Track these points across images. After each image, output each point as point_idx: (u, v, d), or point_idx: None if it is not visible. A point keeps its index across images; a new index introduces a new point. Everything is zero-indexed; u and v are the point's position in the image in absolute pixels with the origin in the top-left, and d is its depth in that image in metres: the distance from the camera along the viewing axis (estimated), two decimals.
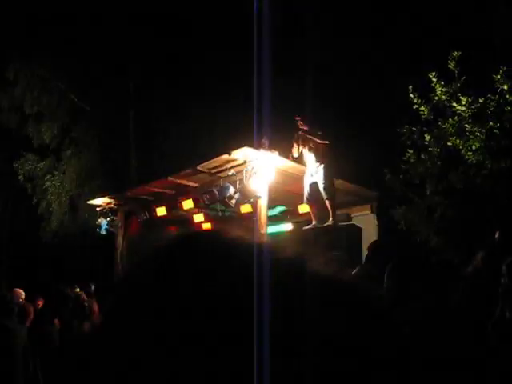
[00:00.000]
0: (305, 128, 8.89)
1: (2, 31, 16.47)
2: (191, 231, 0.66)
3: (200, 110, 16.41)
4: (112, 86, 17.38)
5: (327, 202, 8.73)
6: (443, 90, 9.99)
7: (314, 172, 8.84)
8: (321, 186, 8.70)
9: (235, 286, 0.53)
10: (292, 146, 9.02)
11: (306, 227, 8.99)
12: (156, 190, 10.94)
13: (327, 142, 8.80)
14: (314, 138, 8.78)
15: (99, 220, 11.69)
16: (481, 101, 9.68)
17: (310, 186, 8.87)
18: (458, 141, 9.80)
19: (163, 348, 0.51)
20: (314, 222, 8.96)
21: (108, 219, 11.67)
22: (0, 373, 4.91)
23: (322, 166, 8.71)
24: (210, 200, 9.75)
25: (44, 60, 17.44)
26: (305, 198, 9.03)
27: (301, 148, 8.98)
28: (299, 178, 9.61)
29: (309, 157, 8.92)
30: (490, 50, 10.27)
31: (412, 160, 10.36)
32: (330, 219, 8.74)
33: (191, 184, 10.40)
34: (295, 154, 9.04)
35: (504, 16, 10.27)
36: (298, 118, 8.94)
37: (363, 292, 0.60)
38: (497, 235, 5.87)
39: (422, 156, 10.24)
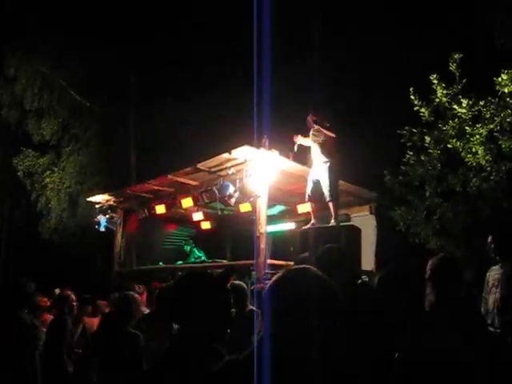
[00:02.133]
0: (316, 124, 8.72)
1: (2, 27, 16.47)
2: None
3: (201, 109, 16.40)
4: (112, 82, 17.38)
5: (330, 203, 8.61)
6: (444, 92, 9.98)
7: (318, 169, 8.65)
8: (325, 186, 8.51)
9: None
10: (295, 138, 8.80)
11: (305, 227, 8.91)
12: (155, 187, 10.93)
13: (334, 136, 8.63)
14: (324, 131, 8.57)
15: (98, 217, 11.67)
16: (481, 103, 9.68)
17: (314, 183, 8.69)
18: (458, 143, 9.80)
19: None
20: (312, 221, 8.86)
21: (107, 216, 11.65)
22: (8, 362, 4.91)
23: (328, 164, 8.58)
24: (209, 198, 9.74)
25: (44, 56, 17.44)
26: (306, 196, 8.92)
27: (306, 141, 8.82)
28: (299, 178, 9.55)
29: (315, 153, 8.80)
30: (491, 53, 10.27)
31: (412, 161, 10.35)
32: (332, 220, 8.64)
33: (191, 182, 10.38)
34: (297, 142, 8.84)
35: (505, 18, 10.27)
36: (311, 113, 8.74)
37: None
38: (489, 239, 5.90)
39: (422, 158, 10.23)
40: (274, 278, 1.91)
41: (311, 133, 8.79)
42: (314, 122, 8.71)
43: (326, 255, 3.69)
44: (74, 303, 7.02)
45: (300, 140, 8.82)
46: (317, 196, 8.68)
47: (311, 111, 8.81)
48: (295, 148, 8.82)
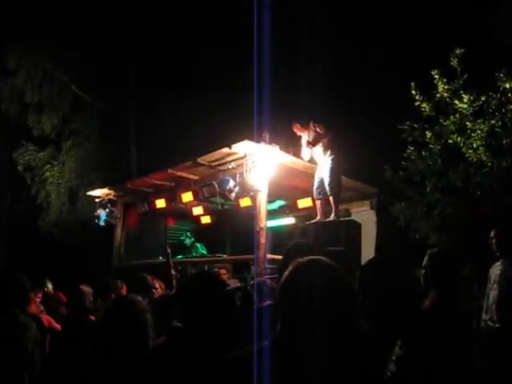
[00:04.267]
0: (318, 131, 8.78)
1: (2, 20, 16.41)
2: None
3: (201, 103, 16.37)
4: (113, 77, 17.34)
5: (331, 198, 8.63)
6: (445, 87, 9.95)
7: (321, 167, 8.72)
8: (326, 181, 8.58)
9: None
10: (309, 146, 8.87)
11: (310, 222, 8.93)
12: (155, 182, 10.93)
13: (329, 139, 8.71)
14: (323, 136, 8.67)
15: (98, 211, 11.67)
16: (483, 99, 9.65)
17: (319, 181, 8.74)
18: (458, 138, 9.78)
19: None
20: (318, 217, 8.88)
21: (107, 210, 11.64)
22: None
23: (330, 160, 8.61)
24: (209, 193, 9.74)
25: (45, 50, 17.39)
26: (314, 192, 8.92)
27: (311, 149, 8.85)
28: (299, 173, 9.58)
29: (317, 151, 8.82)
30: (493, 48, 10.23)
31: (412, 157, 10.34)
32: (333, 215, 8.66)
33: (191, 176, 10.38)
34: (306, 157, 8.96)
35: (506, 14, 10.23)
36: (312, 123, 8.81)
37: None
38: (492, 234, 5.90)
39: (423, 153, 10.22)
40: (288, 270, 1.93)
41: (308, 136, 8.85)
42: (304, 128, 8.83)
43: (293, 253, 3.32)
44: (92, 299, 7.03)
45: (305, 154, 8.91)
46: (322, 193, 8.72)
47: (314, 125, 8.83)
48: (308, 155, 8.90)
